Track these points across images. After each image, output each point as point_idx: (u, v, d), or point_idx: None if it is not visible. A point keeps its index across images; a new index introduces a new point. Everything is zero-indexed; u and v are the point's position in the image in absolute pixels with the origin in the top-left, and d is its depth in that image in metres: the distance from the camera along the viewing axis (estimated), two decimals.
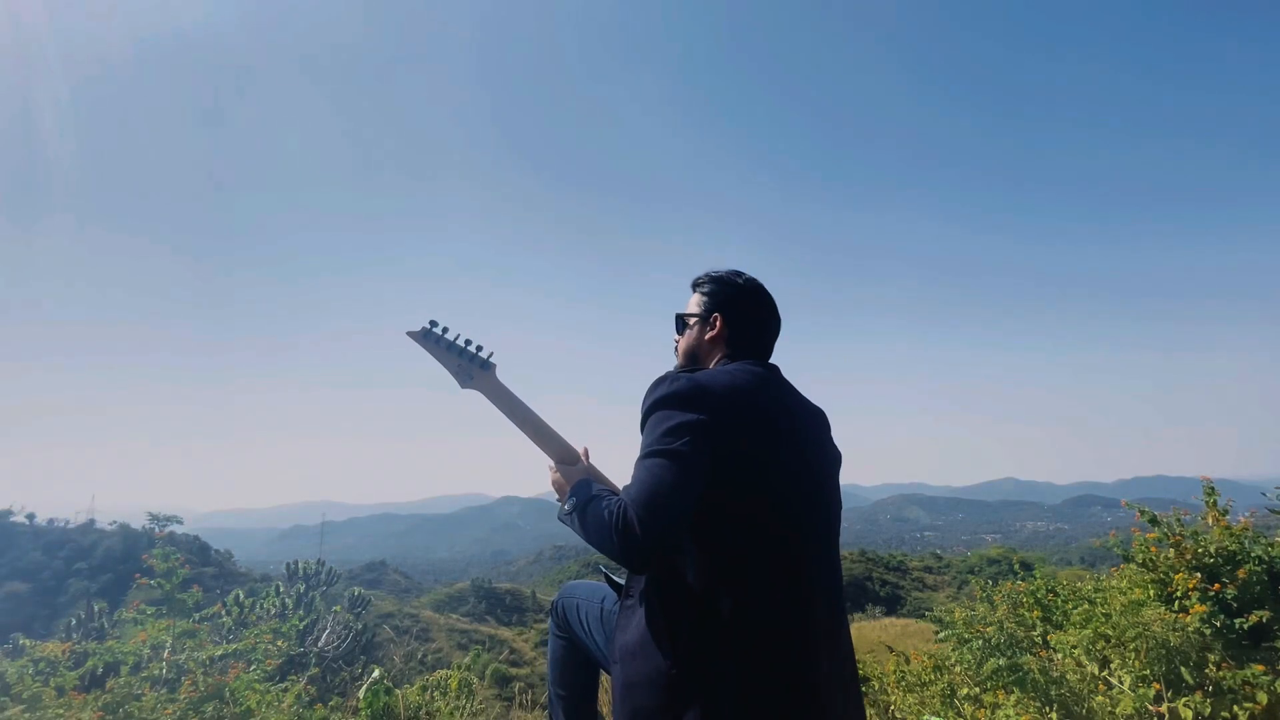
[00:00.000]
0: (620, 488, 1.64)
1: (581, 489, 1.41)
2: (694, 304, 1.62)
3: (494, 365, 1.69)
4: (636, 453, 1.30)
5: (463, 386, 1.68)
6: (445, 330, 1.68)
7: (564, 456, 1.64)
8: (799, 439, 1.36)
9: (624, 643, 1.31)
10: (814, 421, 1.46)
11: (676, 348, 1.66)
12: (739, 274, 1.60)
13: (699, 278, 1.65)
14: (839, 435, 1.55)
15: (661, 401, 1.30)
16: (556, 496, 1.58)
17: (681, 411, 1.26)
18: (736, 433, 1.26)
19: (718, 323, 1.55)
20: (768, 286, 1.60)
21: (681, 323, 1.65)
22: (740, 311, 1.55)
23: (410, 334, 1.67)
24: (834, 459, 1.47)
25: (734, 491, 1.24)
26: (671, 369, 1.51)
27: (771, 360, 1.57)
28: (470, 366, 1.68)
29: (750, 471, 1.26)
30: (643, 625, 1.28)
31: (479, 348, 1.69)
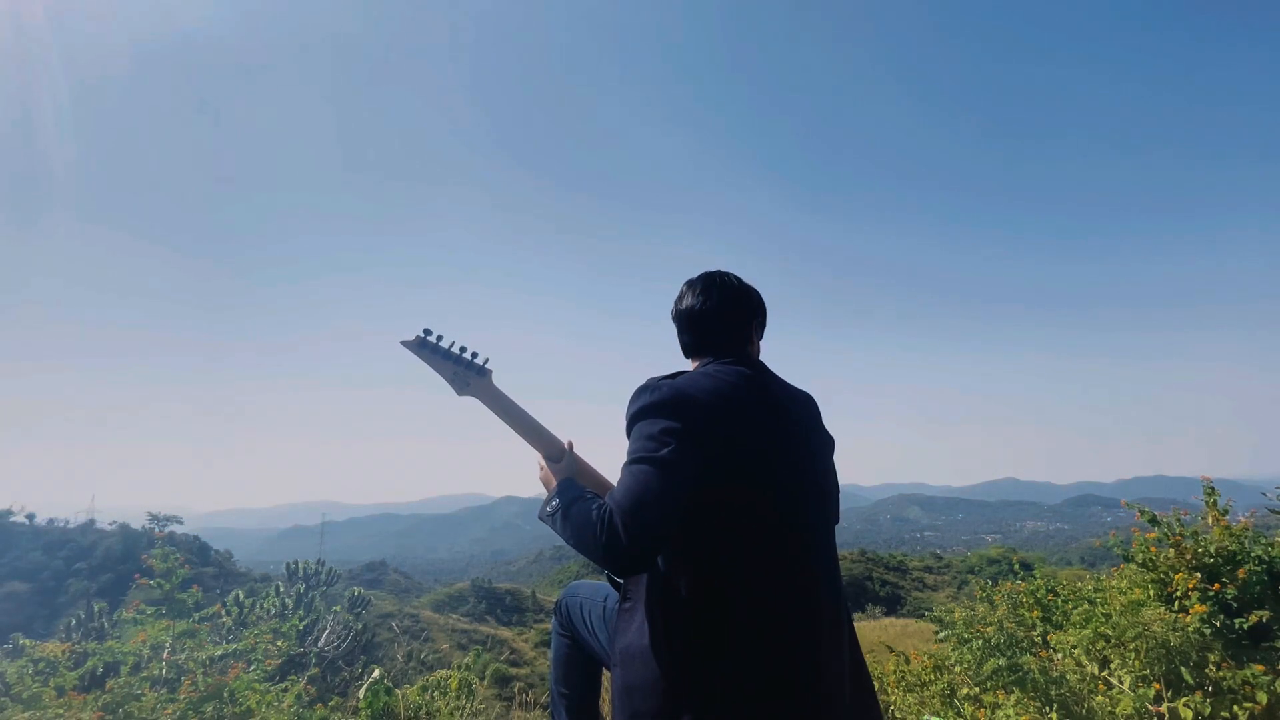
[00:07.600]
0: (609, 481, 1.65)
1: (566, 489, 1.40)
2: None
3: (490, 371, 1.66)
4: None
5: (459, 394, 1.65)
6: (440, 338, 1.63)
7: (550, 452, 1.63)
8: (788, 430, 1.36)
9: (623, 646, 1.31)
10: (802, 410, 1.46)
11: None
12: (692, 278, 1.59)
13: None
14: (839, 435, 1.54)
15: (644, 411, 1.30)
16: (545, 494, 1.57)
17: (665, 419, 1.26)
18: (722, 434, 1.26)
19: (678, 334, 1.58)
20: (762, 287, 1.58)
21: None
22: (692, 316, 1.54)
23: (404, 343, 1.62)
24: (827, 443, 1.48)
25: (725, 492, 1.24)
26: (653, 376, 1.51)
27: (762, 343, 1.57)
28: (466, 373, 1.64)
29: (740, 471, 1.26)
30: (641, 628, 1.28)
31: (474, 354, 1.65)
